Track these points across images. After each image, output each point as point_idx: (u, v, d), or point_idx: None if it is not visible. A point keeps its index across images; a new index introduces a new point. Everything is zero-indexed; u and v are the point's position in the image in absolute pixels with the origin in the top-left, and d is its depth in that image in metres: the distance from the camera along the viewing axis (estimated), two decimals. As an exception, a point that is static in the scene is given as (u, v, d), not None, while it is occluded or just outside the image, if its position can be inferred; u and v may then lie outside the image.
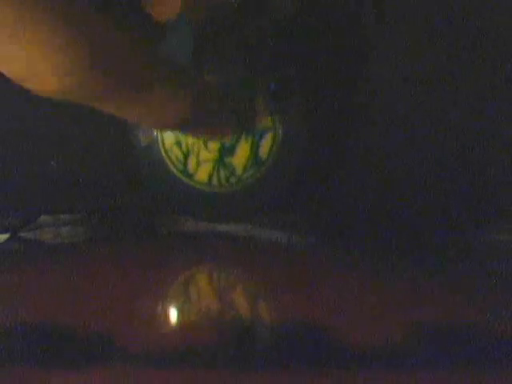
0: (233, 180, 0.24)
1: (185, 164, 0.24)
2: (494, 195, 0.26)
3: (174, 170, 0.24)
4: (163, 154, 0.24)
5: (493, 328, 0.16)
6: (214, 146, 0.23)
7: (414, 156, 0.26)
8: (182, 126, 0.19)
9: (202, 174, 0.24)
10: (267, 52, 0.24)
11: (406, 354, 0.14)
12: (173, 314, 0.18)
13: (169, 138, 0.23)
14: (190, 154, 0.23)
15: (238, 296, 0.20)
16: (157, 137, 0.24)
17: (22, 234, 0.27)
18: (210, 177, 0.24)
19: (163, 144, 0.23)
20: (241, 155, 0.23)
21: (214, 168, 0.24)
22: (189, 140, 0.23)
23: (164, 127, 0.21)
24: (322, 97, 0.25)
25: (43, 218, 0.27)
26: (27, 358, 0.14)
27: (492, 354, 0.14)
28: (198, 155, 0.23)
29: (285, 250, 0.27)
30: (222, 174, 0.24)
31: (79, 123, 0.26)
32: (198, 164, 0.24)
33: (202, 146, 0.23)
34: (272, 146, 0.23)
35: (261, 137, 0.23)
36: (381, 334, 0.15)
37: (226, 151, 0.23)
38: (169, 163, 0.24)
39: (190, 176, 0.24)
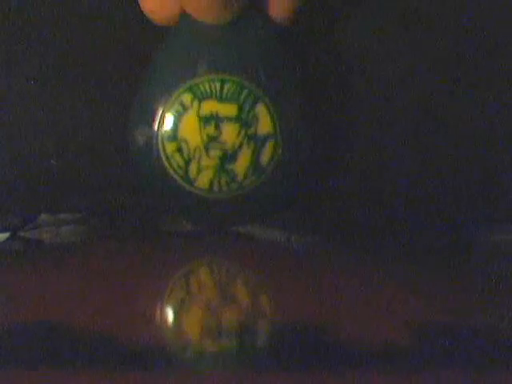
0: (234, 186, 0.24)
1: (186, 170, 0.24)
2: (495, 194, 0.26)
3: (175, 177, 0.24)
4: (164, 161, 0.24)
5: (493, 328, 0.16)
6: (215, 153, 0.23)
7: (414, 156, 0.26)
8: None
9: (203, 181, 0.24)
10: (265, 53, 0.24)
11: (405, 354, 0.14)
12: (173, 315, 0.18)
13: (170, 145, 0.23)
14: (191, 160, 0.23)
15: (237, 296, 0.20)
16: (157, 144, 0.23)
17: (22, 234, 0.27)
18: (211, 183, 0.24)
19: (164, 151, 0.23)
20: (242, 162, 0.23)
21: (215, 174, 0.24)
22: (190, 147, 0.23)
23: None
24: (322, 101, 0.25)
25: (43, 217, 0.27)
26: (27, 358, 0.14)
27: (492, 354, 0.14)
28: (199, 162, 0.23)
29: (285, 250, 0.27)
30: (223, 180, 0.24)
31: (80, 122, 0.26)
32: (199, 171, 0.24)
33: (204, 152, 0.23)
34: (273, 152, 0.24)
35: (262, 144, 0.23)
36: (381, 333, 0.15)
37: (227, 158, 0.23)
38: (170, 170, 0.24)
39: (191, 182, 0.24)
